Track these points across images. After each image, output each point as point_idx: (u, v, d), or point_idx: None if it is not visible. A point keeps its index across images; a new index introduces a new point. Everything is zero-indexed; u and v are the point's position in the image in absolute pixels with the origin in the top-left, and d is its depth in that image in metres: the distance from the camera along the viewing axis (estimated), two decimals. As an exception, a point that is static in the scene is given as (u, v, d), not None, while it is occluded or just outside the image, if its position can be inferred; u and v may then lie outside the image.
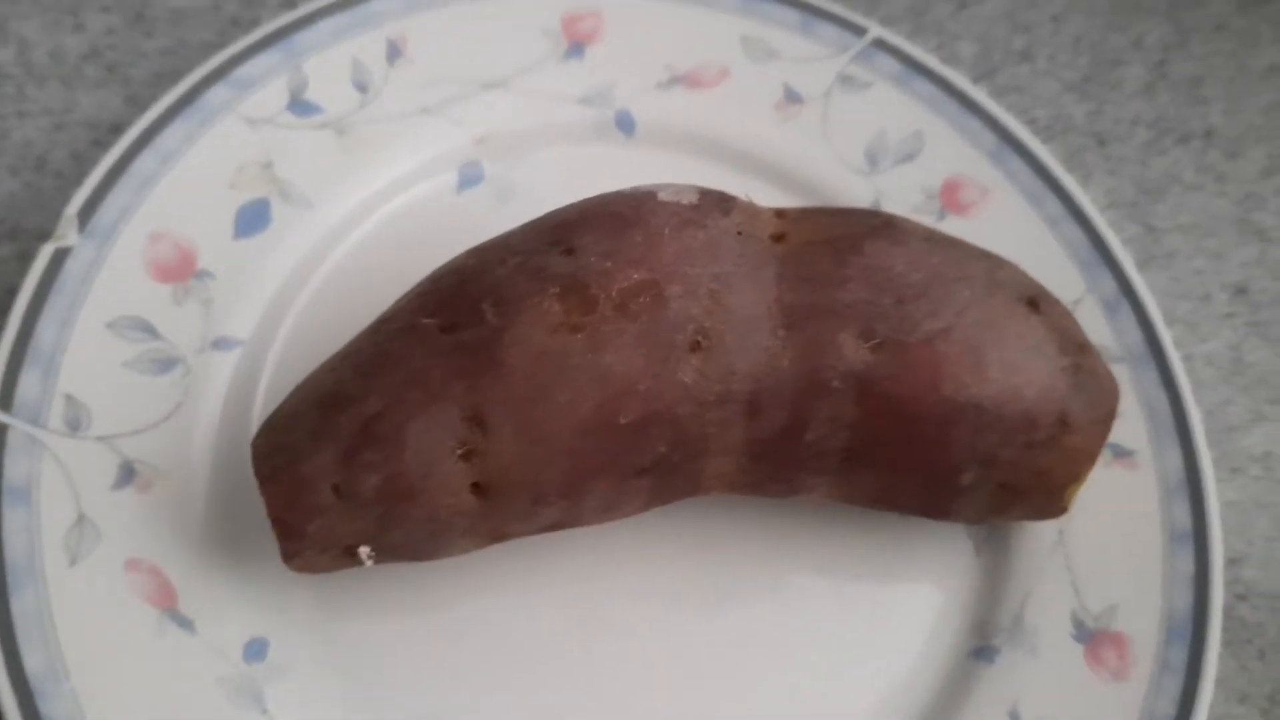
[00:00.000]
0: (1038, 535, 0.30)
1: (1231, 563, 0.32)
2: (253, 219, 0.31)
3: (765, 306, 0.25)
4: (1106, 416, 0.27)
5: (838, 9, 0.35)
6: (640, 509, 0.27)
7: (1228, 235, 0.37)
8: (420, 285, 0.26)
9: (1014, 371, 0.25)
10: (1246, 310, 0.36)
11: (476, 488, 0.25)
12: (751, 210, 0.27)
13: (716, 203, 0.26)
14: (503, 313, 0.24)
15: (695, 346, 0.24)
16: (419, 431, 0.24)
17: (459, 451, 0.24)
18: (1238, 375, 0.35)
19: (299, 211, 0.31)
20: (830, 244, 0.26)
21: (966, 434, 0.25)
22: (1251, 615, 0.32)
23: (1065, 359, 0.26)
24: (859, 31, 0.34)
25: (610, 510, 0.26)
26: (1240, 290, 0.36)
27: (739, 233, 0.26)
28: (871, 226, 0.26)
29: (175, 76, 0.35)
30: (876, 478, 0.27)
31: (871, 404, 0.25)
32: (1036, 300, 0.27)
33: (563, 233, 0.25)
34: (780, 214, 0.27)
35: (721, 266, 0.25)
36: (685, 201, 0.26)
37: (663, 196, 0.26)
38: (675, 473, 0.26)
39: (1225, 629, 0.31)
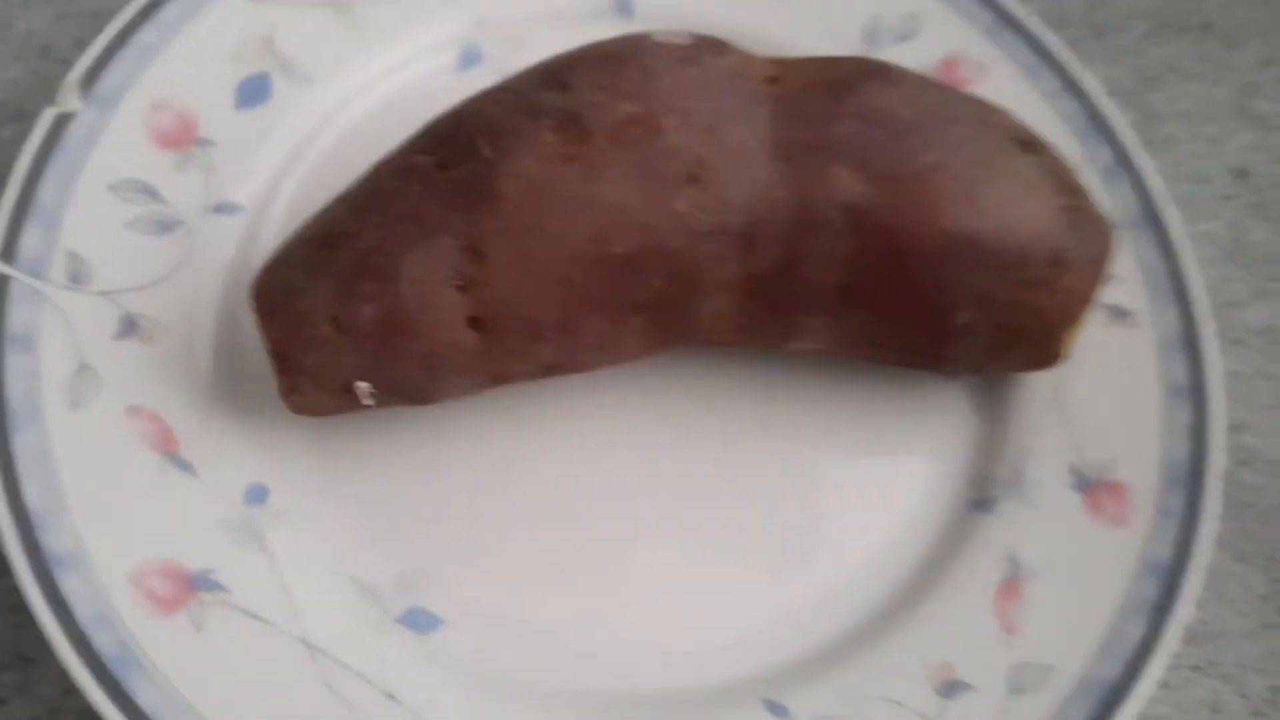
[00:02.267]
0: (1034, 392, 0.30)
1: (1234, 429, 0.32)
2: (254, 91, 0.31)
3: (759, 141, 0.25)
4: (1101, 257, 0.27)
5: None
6: (638, 352, 0.27)
7: (1226, 121, 0.37)
8: (417, 130, 0.26)
9: (1008, 207, 0.26)
10: (1248, 192, 0.36)
11: (474, 321, 0.25)
12: (745, 56, 0.27)
13: (711, 46, 0.26)
14: (498, 147, 0.25)
15: (690, 178, 0.25)
16: (415, 263, 0.24)
17: (455, 283, 0.25)
18: (1239, 254, 0.35)
19: (300, 87, 0.32)
20: (825, 85, 0.26)
21: (961, 269, 0.26)
22: (1252, 479, 0.32)
23: (1060, 199, 0.26)
24: (856, -89, 0.35)
25: (607, 350, 0.26)
26: (1241, 173, 0.36)
27: (733, 73, 0.26)
28: (866, 70, 0.27)
29: (179, -40, 0.35)
30: (870, 319, 0.27)
31: (866, 237, 0.25)
32: (1031, 142, 0.27)
33: (557, 71, 0.26)
34: (776, 61, 0.27)
35: (716, 102, 0.25)
36: (680, 42, 0.26)
37: (657, 38, 0.26)
38: (671, 310, 0.26)
39: (1227, 492, 0.31)
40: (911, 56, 0.33)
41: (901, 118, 0.26)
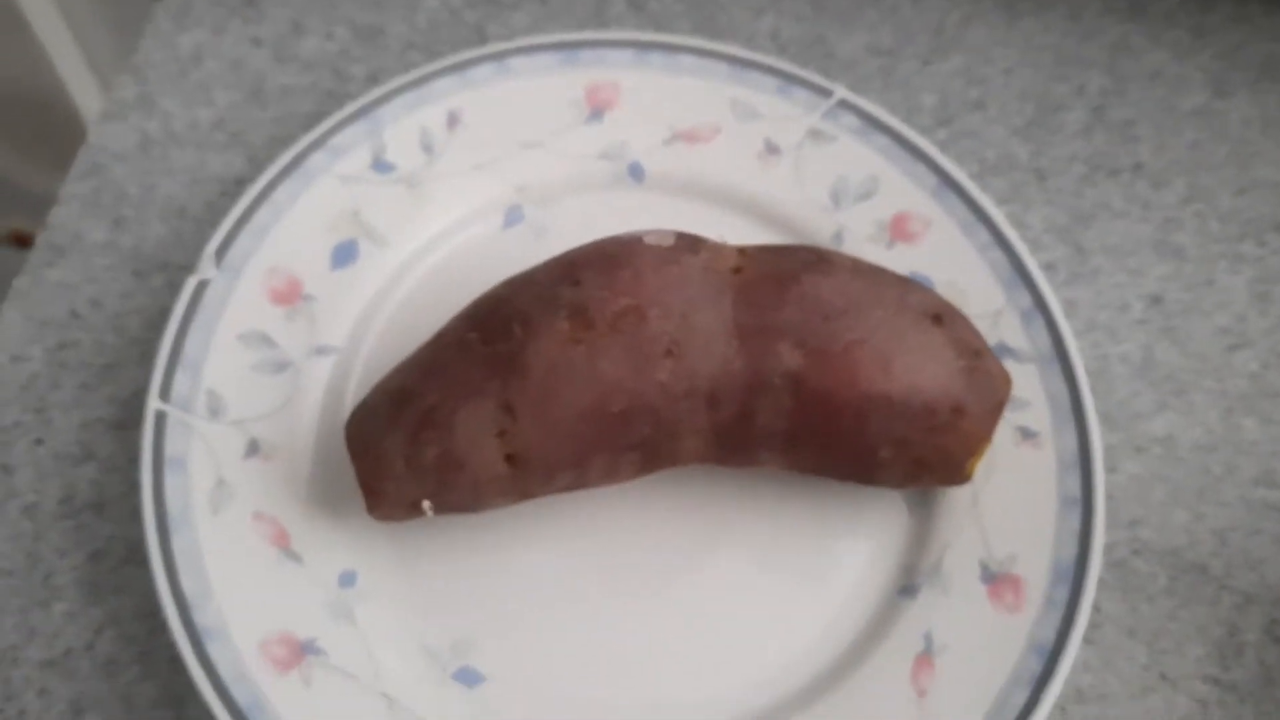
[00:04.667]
0: (958, 500, 0.37)
1: (1131, 524, 0.39)
2: (345, 255, 0.40)
3: (723, 324, 0.33)
4: (997, 406, 0.34)
5: (810, 75, 0.42)
6: (633, 476, 0.35)
7: (1147, 254, 0.44)
8: (466, 309, 0.35)
9: (916, 372, 0.33)
10: (1160, 317, 0.42)
11: (509, 459, 0.33)
12: (717, 249, 0.35)
13: (689, 244, 0.34)
14: (526, 330, 0.33)
15: (668, 353, 0.33)
16: (465, 418, 0.33)
17: (495, 432, 0.33)
18: (1148, 371, 0.42)
19: (379, 248, 0.40)
20: (775, 276, 0.34)
21: (880, 421, 0.33)
22: (1144, 567, 0.39)
23: (961, 362, 0.34)
24: (826, 93, 0.42)
25: (610, 476, 0.35)
26: (1155, 300, 0.43)
27: (705, 268, 0.34)
28: (808, 262, 0.34)
29: (285, 140, 0.44)
30: (814, 453, 0.35)
31: (804, 397, 0.33)
32: (940, 316, 0.34)
33: (571, 270, 0.34)
34: (741, 251, 0.35)
35: (690, 294, 0.33)
36: (664, 244, 0.34)
37: (647, 241, 0.34)
38: (657, 449, 0.34)
39: (1121, 578, 0.38)
40: (869, 213, 0.41)
41: (833, 304, 0.33)
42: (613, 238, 0.35)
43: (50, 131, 0.65)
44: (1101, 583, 0.38)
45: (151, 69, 0.45)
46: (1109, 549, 0.39)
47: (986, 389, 0.34)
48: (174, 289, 0.41)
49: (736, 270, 0.34)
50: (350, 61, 0.46)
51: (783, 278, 0.34)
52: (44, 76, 0.62)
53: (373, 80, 0.45)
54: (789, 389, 0.33)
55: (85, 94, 0.62)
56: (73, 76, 0.61)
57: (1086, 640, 0.37)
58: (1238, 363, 0.42)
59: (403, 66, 0.45)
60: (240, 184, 0.43)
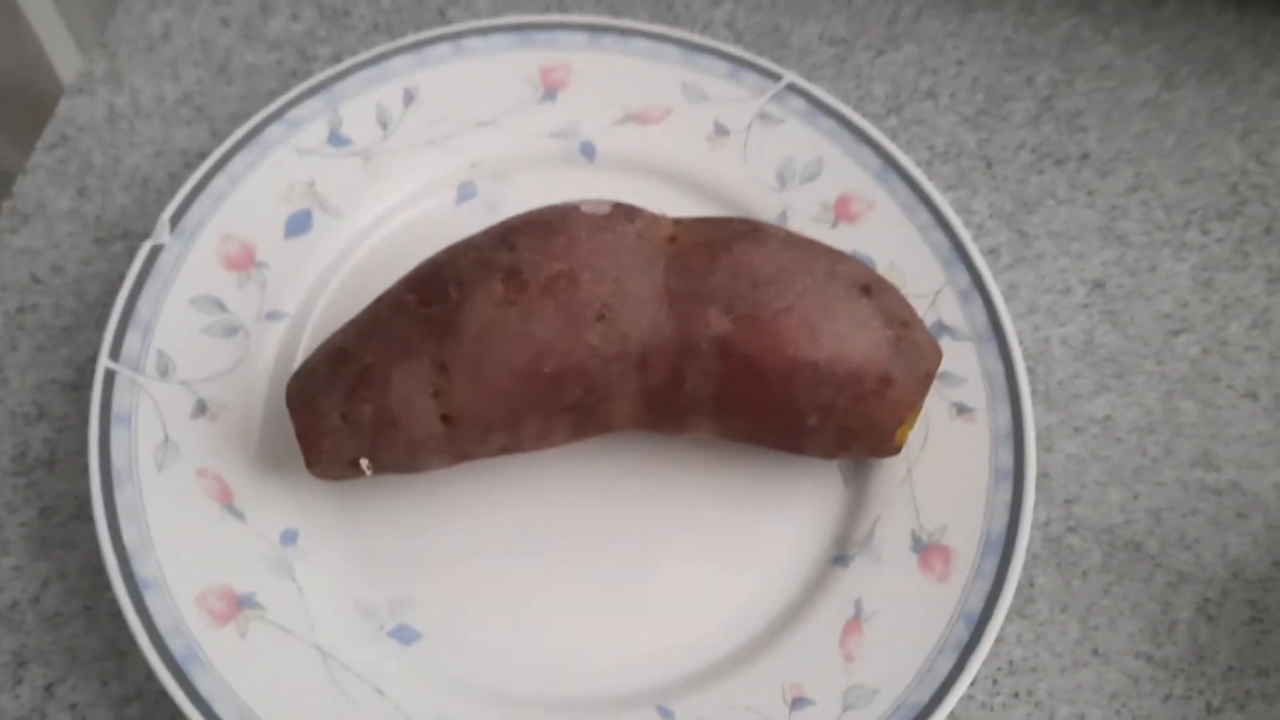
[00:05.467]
0: (892, 472, 0.38)
1: (1066, 502, 0.40)
2: (299, 224, 0.41)
3: (654, 290, 0.34)
4: (926, 376, 0.35)
5: (760, 60, 0.43)
6: (568, 440, 0.36)
7: (1091, 240, 0.44)
8: (408, 273, 0.36)
9: (842, 340, 0.34)
10: (1102, 301, 0.43)
11: (444, 419, 0.34)
12: (653, 219, 0.35)
13: (624, 213, 0.35)
14: (462, 292, 0.34)
15: (600, 317, 0.33)
16: (400, 376, 0.34)
17: (430, 391, 0.34)
18: (1088, 354, 0.42)
19: (333, 219, 0.41)
20: (707, 245, 0.35)
21: (806, 387, 0.34)
22: (1078, 544, 0.39)
23: (889, 331, 0.35)
24: (775, 78, 0.43)
25: (544, 439, 0.35)
26: (1098, 285, 0.43)
27: (639, 236, 0.35)
28: (740, 232, 0.35)
29: (248, 116, 0.45)
30: (743, 420, 0.35)
31: (731, 362, 0.34)
32: (870, 287, 0.35)
33: (508, 234, 0.35)
34: (677, 222, 0.36)
35: (622, 260, 0.34)
36: (600, 212, 0.35)
37: (583, 209, 0.35)
38: (590, 411, 0.35)
39: (1055, 554, 0.39)
40: (814, 194, 0.42)
41: (762, 272, 0.34)
42: (550, 206, 0.35)
43: (34, 108, 0.66)
44: (1036, 558, 0.39)
45: (122, 44, 0.46)
46: (1044, 525, 0.39)
47: (915, 358, 0.35)
48: (134, 256, 0.42)
49: (671, 239, 0.35)
50: (315, 42, 0.47)
51: (714, 246, 0.35)
52: (29, 54, 0.63)
53: (336, 60, 0.46)
54: (717, 354, 0.34)
55: (69, 71, 0.63)
56: (59, 53, 0.62)
57: (1020, 614, 0.38)
58: (1178, 347, 0.42)
59: (367, 47, 0.47)
60: (203, 157, 0.44)
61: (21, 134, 0.68)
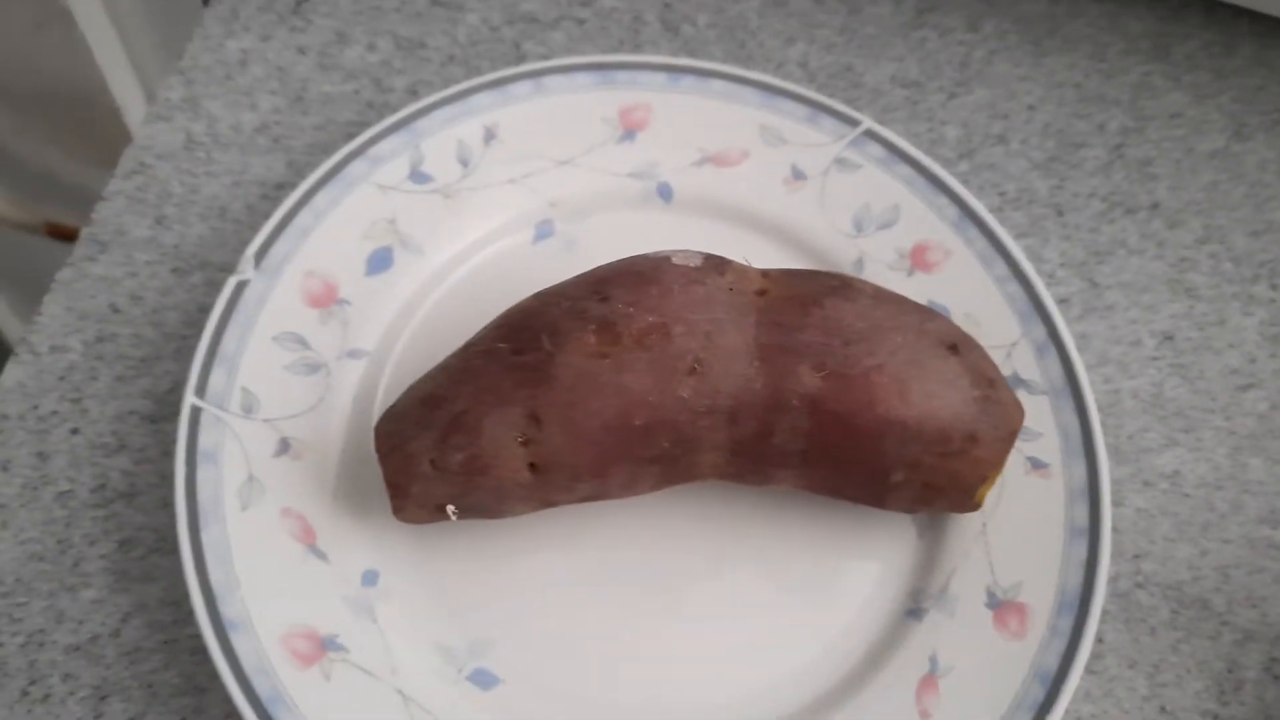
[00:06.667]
0: (967, 526, 0.38)
1: (1135, 557, 0.40)
2: (380, 261, 0.41)
3: (745, 344, 0.34)
4: (1009, 435, 0.35)
5: (837, 105, 0.44)
6: (653, 488, 0.36)
7: (1160, 292, 0.44)
8: (497, 319, 0.36)
9: (932, 398, 0.34)
10: (1171, 354, 0.43)
11: (532, 467, 0.34)
12: (742, 270, 0.36)
13: (715, 265, 0.35)
14: (555, 342, 0.34)
15: (691, 371, 0.34)
16: (492, 425, 0.34)
17: (520, 440, 0.34)
18: (1157, 407, 0.42)
19: (414, 256, 0.42)
20: (798, 299, 0.35)
21: (894, 444, 0.34)
22: (1147, 600, 0.39)
23: (976, 390, 0.35)
24: (854, 123, 0.43)
25: (629, 488, 0.36)
26: (1167, 337, 0.44)
27: (730, 289, 0.35)
28: (831, 286, 0.35)
29: (325, 147, 0.45)
30: (828, 473, 0.35)
31: (821, 419, 0.34)
32: (957, 345, 0.35)
33: (600, 285, 0.35)
34: (765, 274, 0.36)
35: (714, 314, 0.34)
36: (691, 264, 0.35)
37: (675, 260, 0.35)
38: (676, 463, 0.35)
39: (1124, 609, 0.39)
40: (890, 241, 0.42)
41: (854, 328, 0.34)
42: (641, 256, 0.36)
43: (88, 127, 0.66)
44: (1105, 614, 0.39)
45: (198, 72, 0.47)
46: (1113, 580, 0.39)
47: (1000, 418, 0.35)
48: (212, 287, 0.42)
49: (760, 292, 0.35)
50: (391, 73, 0.47)
51: (805, 301, 0.35)
52: (86, 73, 0.63)
53: (412, 91, 0.46)
54: (807, 410, 0.34)
55: (126, 92, 0.63)
56: (115, 74, 0.62)
57: (1088, 670, 0.38)
58: (1247, 402, 0.43)
59: (442, 79, 0.47)
60: (281, 188, 0.44)
61: (71, 145, 0.68)
